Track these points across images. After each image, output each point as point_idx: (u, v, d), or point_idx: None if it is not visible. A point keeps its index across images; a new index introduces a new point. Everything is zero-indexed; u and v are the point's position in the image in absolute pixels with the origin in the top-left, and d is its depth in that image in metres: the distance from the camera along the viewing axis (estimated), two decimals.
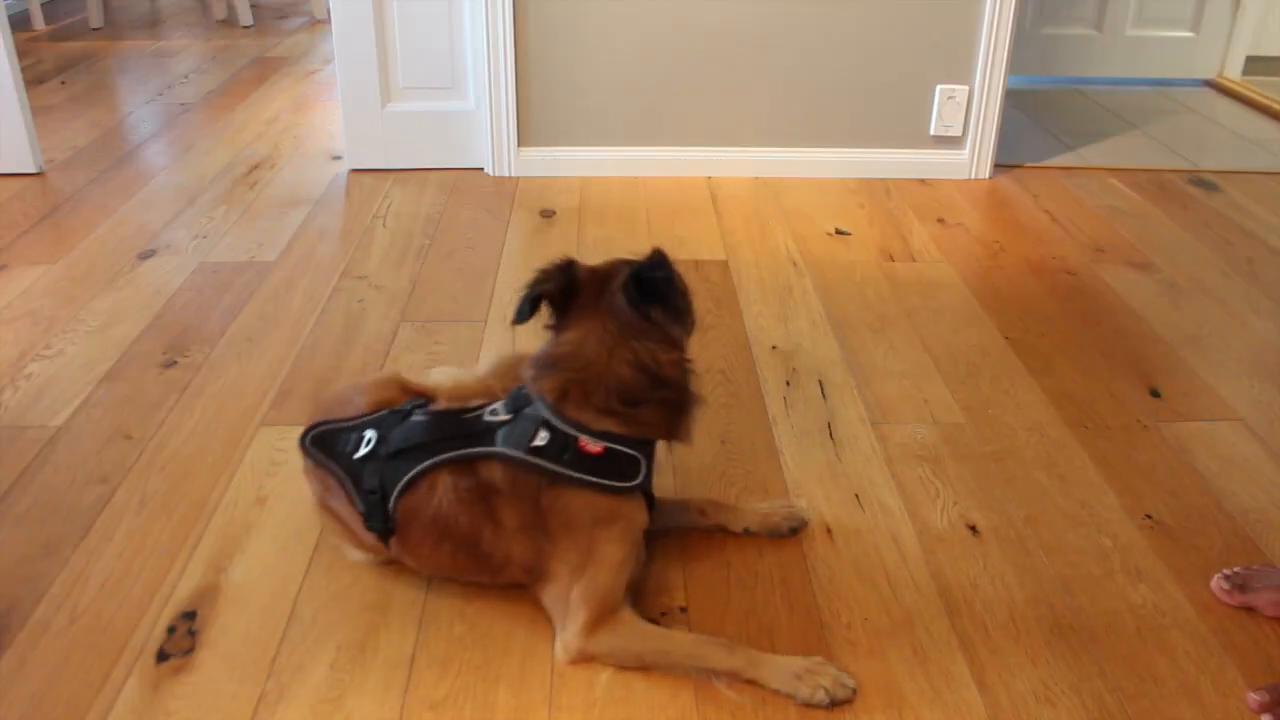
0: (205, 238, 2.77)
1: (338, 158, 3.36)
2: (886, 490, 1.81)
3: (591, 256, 2.65)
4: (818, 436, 1.95)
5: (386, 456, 1.48)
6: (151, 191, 3.09)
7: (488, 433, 1.43)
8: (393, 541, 1.50)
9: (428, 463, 1.44)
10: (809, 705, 1.36)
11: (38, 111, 3.67)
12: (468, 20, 3.10)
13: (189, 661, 1.44)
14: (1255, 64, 4.22)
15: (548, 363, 1.44)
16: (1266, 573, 1.56)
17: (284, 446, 1.90)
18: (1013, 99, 3.88)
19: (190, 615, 1.52)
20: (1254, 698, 1.38)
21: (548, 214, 2.95)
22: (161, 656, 1.44)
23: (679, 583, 1.59)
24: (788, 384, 2.11)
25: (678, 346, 1.46)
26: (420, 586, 1.57)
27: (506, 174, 3.24)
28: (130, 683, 1.40)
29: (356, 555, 1.60)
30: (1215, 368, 2.20)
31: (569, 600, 1.42)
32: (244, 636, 1.48)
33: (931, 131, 3.21)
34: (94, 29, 5.07)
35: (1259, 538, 1.70)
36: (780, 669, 1.39)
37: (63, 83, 4.19)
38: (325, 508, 1.60)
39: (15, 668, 1.42)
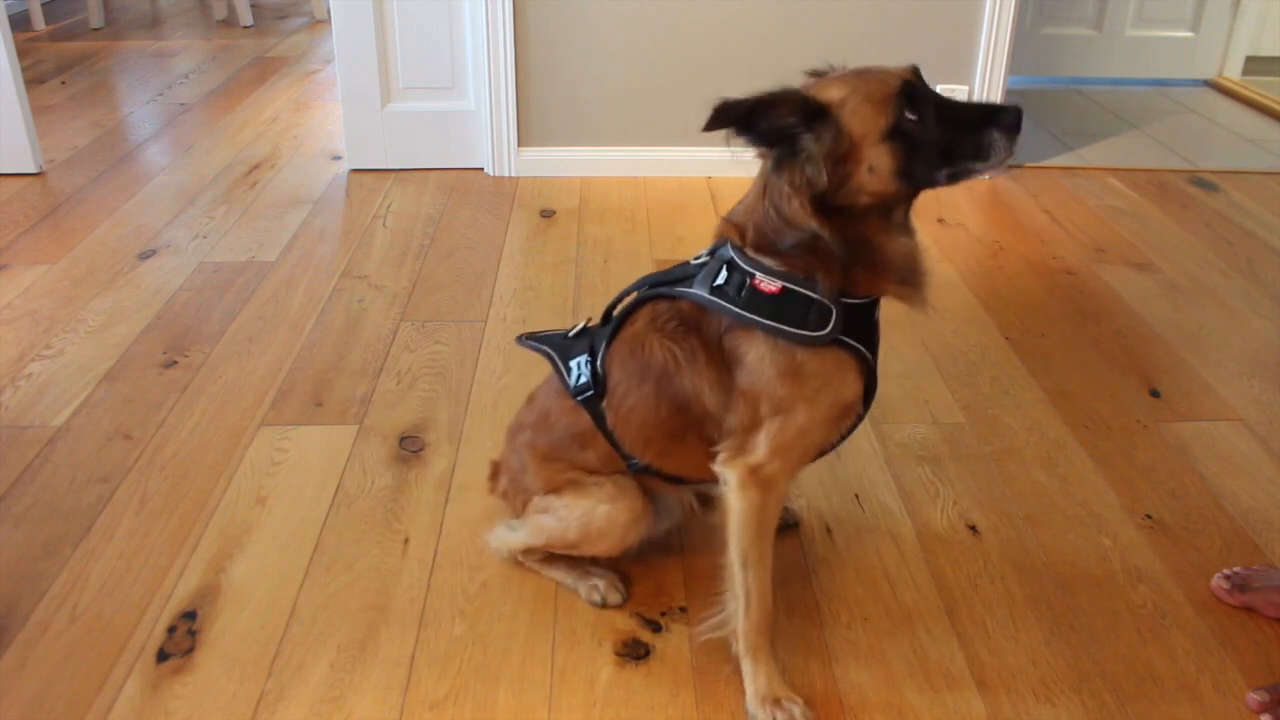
0: (205, 238, 2.77)
1: (338, 158, 3.37)
2: (886, 490, 1.81)
3: (591, 257, 2.67)
4: None
5: (598, 325, 1.48)
6: (151, 191, 3.09)
7: (689, 276, 1.36)
8: (605, 409, 1.43)
9: (628, 304, 1.41)
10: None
11: (38, 111, 3.67)
12: (468, 20, 3.10)
13: (189, 661, 1.44)
14: (1255, 64, 4.22)
15: (737, 207, 1.37)
16: (1266, 573, 1.56)
17: (284, 446, 1.90)
18: (1012, 99, 3.88)
19: (190, 615, 1.52)
20: (1254, 698, 1.38)
21: (548, 214, 2.95)
22: (161, 656, 1.44)
23: (679, 582, 1.59)
24: None
25: (813, 181, 1.23)
26: (420, 586, 1.58)
27: (506, 174, 3.24)
28: (130, 683, 1.40)
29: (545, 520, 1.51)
30: (1215, 368, 2.20)
31: (749, 433, 1.33)
32: (244, 636, 1.48)
33: None
34: (94, 29, 5.07)
35: (1259, 538, 1.70)
36: (760, 683, 1.36)
37: (63, 83, 4.19)
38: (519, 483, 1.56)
39: (15, 668, 1.42)
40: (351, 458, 1.87)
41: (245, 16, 5.24)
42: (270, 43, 4.93)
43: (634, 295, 1.44)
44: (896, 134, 1.23)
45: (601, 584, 1.56)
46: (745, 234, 1.32)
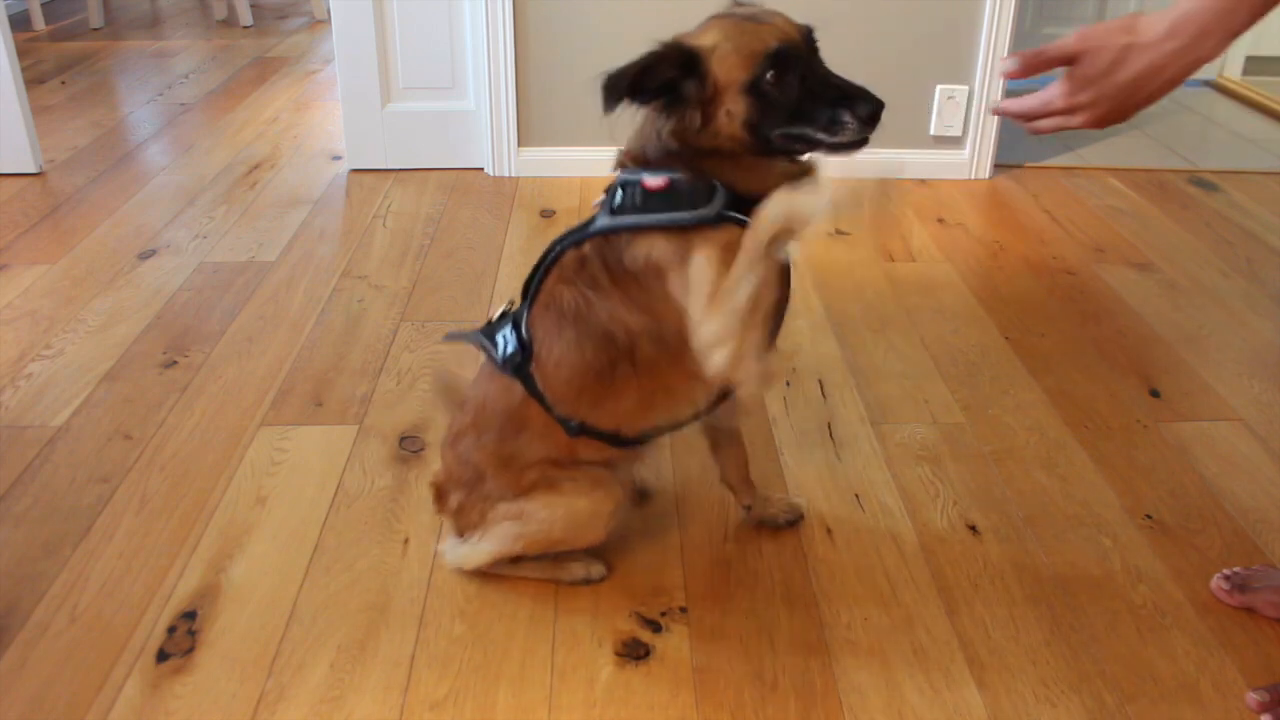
0: (205, 238, 2.77)
1: (338, 158, 3.37)
2: (886, 490, 1.81)
3: None
4: (818, 436, 1.95)
5: (519, 304, 1.49)
6: (151, 191, 3.09)
7: (593, 219, 1.41)
8: (534, 374, 1.43)
9: (544, 263, 1.44)
10: None
11: (38, 111, 3.67)
12: (468, 20, 3.10)
13: (189, 661, 1.44)
14: (1255, 64, 4.22)
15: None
16: (1266, 573, 1.56)
17: (284, 446, 1.90)
18: (1012, 99, 3.87)
19: (190, 615, 1.52)
20: (1254, 698, 1.38)
21: (548, 214, 2.95)
22: (161, 656, 1.44)
23: (679, 583, 1.59)
24: (787, 384, 2.11)
25: (689, 126, 1.30)
26: (420, 586, 1.58)
27: (506, 174, 3.24)
28: (130, 683, 1.40)
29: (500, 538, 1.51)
30: (1215, 368, 2.20)
31: (694, 323, 1.32)
32: (244, 636, 1.48)
33: (931, 132, 3.21)
34: (94, 29, 5.07)
35: (1259, 538, 1.70)
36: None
37: (63, 83, 4.19)
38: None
39: (15, 668, 1.42)
40: (351, 458, 1.87)
41: (245, 16, 5.24)
42: (270, 43, 4.93)
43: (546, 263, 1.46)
44: (754, 90, 1.28)
45: (576, 566, 1.57)
46: (634, 156, 1.38)
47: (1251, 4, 1.02)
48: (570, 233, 1.43)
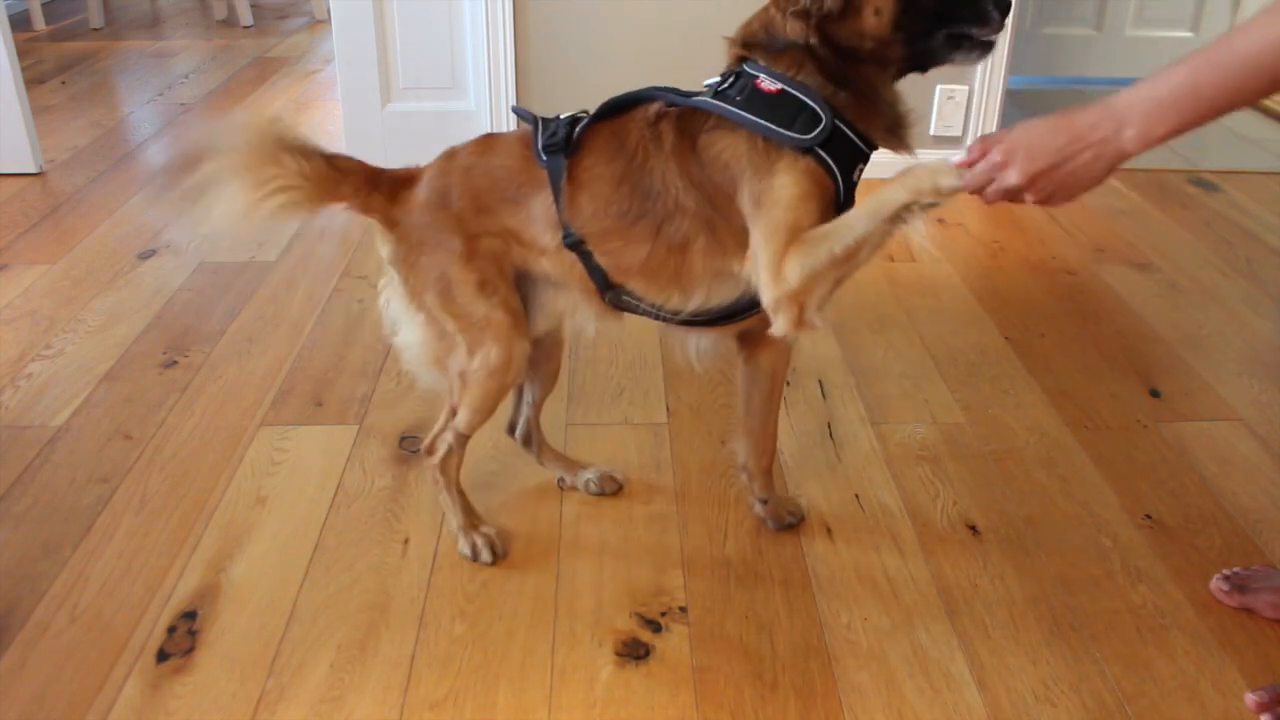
0: (205, 238, 2.77)
1: None
2: (886, 490, 1.81)
3: None
4: (818, 436, 1.95)
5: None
6: (152, 192, 3.09)
7: (699, 94, 1.38)
8: (565, 167, 1.41)
9: (633, 97, 1.42)
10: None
11: (38, 111, 3.67)
12: (468, 20, 3.10)
13: (189, 661, 1.44)
14: None
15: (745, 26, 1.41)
16: (1265, 574, 1.56)
17: (284, 446, 1.90)
18: (1013, 99, 3.88)
19: (190, 615, 1.52)
20: (1253, 698, 1.38)
21: None
22: (161, 656, 1.45)
23: (679, 583, 1.59)
24: (787, 384, 2.11)
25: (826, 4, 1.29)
26: (420, 586, 1.58)
27: None
28: (130, 683, 1.40)
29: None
30: (1215, 368, 2.20)
31: (756, 256, 1.32)
32: (244, 636, 1.48)
33: (931, 132, 3.21)
34: (94, 29, 5.07)
35: (1259, 538, 1.70)
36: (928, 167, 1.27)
37: (63, 83, 4.19)
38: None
39: (15, 668, 1.42)
40: (351, 458, 1.87)
41: (245, 16, 5.24)
42: (270, 43, 4.93)
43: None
44: None
45: (479, 540, 1.61)
46: (754, 38, 1.37)
47: (1179, 116, 1.14)
48: (671, 91, 1.40)
